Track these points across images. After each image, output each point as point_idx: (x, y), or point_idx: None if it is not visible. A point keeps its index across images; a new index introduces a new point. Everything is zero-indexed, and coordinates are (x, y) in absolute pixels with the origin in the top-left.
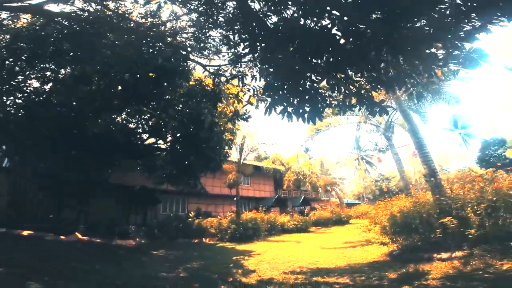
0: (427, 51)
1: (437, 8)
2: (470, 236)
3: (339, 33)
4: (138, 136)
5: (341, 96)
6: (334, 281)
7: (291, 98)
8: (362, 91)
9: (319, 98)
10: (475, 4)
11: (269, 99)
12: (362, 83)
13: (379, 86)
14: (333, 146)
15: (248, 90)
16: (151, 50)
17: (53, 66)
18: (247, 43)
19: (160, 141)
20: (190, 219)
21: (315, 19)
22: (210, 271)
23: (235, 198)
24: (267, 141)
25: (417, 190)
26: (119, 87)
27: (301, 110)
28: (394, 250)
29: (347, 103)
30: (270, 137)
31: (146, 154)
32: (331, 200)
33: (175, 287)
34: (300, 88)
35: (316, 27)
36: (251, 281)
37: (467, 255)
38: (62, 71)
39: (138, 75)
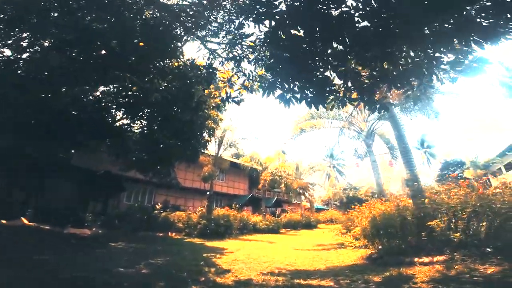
0: (437, 54)
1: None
2: (455, 240)
3: (359, 18)
4: (111, 112)
5: (343, 88)
6: (318, 284)
7: (295, 81)
8: (364, 85)
9: (327, 82)
10: None
11: (269, 79)
12: (366, 78)
13: (381, 83)
14: (308, 151)
15: (244, 74)
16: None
17: (32, 34)
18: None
19: (136, 124)
20: (156, 211)
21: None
22: (178, 268)
23: (208, 193)
24: (249, 136)
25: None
26: (103, 51)
27: (304, 94)
28: (372, 253)
29: (348, 96)
30: (252, 133)
31: (117, 134)
32: (302, 203)
33: (134, 286)
34: (307, 71)
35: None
36: (227, 281)
37: (448, 260)
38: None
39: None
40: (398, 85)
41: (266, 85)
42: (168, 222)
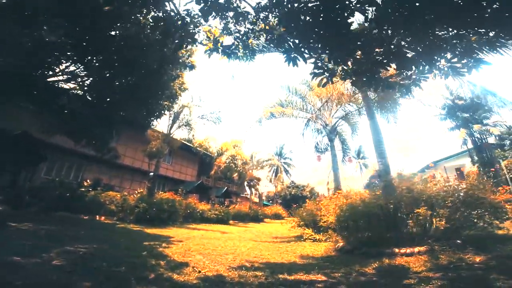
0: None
1: None
2: (441, 228)
3: None
4: (54, 57)
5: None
6: (308, 279)
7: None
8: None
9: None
10: None
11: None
12: (378, 54)
13: (393, 61)
14: (261, 146)
15: (237, 31)
16: None
17: None
18: None
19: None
20: (83, 189)
21: None
22: (111, 260)
23: (151, 174)
24: (210, 117)
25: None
26: None
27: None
28: (343, 246)
29: (352, 70)
30: (213, 114)
31: (51, 89)
32: (252, 196)
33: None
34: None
35: None
36: (189, 279)
37: (429, 250)
38: None
39: None
40: (407, 68)
41: (275, 38)
42: (97, 203)
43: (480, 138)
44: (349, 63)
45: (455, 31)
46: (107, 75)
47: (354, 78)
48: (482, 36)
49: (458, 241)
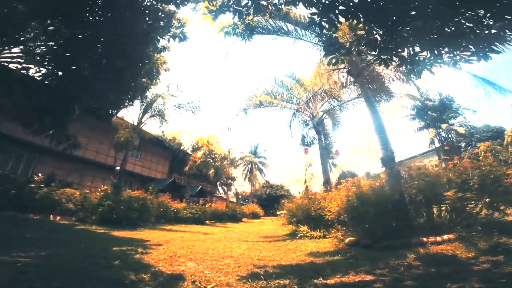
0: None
1: None
2: (474, 213)
3: None
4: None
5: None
6: (355, 281)
7: None
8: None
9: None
10: None
11: None
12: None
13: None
14: (238, 143)
15: None
16: None
17: None
18: None
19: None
20: (33, 185)
21: None
22: (63, 273)
23: (117, 168)
24: (188, 106)
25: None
26: None
27: None
28: (357, 240)
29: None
30: (193, 103)
31: None
32: (228, 194)
33: None
34: None
35: None
36: None
37: (459, 237)
38: None
39: None
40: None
41: None
42: (50, 201)
43: (446, 137)
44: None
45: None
46: (80, 36)
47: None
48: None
49: (479, 227)
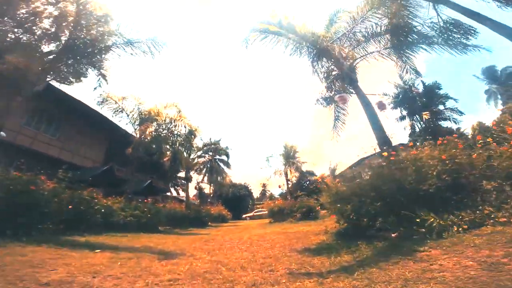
0: None
1: None
2: None
3: None
4: None
5: None
6: None
7: None
8: None
9: None
10: None
11: None
12: None
13: None
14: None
15: None
16: None
17: None
18: None
19: None
20: None
21: None
22: None
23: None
24: (145, 43)
25: None
26: None
27: None
28: None
29: None
30: (153, 40)
31: None
32: (188, 194)
33: None
34: None
35: None
36: None
37: None
38: None
39: None
40: None
41: None
42: None
43: (428, 126)
44: None
45: None
46: None
47: None
48: None
49: None
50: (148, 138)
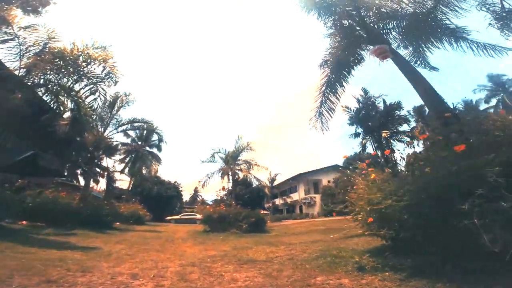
0: None
1: None
2: None
3: None
4: None
5: None
6: None
7: None
8: None
9: None
10: None
11: None
12: None
13: None
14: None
15: None
16: None
17: None
18: None
19: None
20: None
21: None
22: None
23: None
24: None
25: None
26: None
27: None
28: None
29: None
30: None
31: None
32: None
33: None
34: None
35: None
36: None
37: None
38: None
39: None
40: None
41: None
42: None
43: (384, 145)
44: None
45: None
46: None
47: None
48: None
49: None
50: (38, 79)
